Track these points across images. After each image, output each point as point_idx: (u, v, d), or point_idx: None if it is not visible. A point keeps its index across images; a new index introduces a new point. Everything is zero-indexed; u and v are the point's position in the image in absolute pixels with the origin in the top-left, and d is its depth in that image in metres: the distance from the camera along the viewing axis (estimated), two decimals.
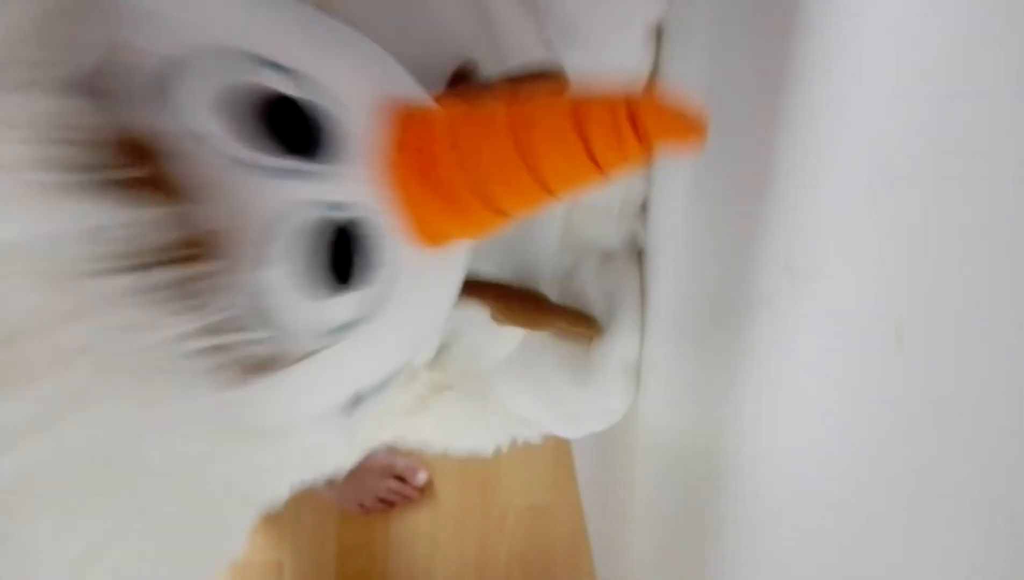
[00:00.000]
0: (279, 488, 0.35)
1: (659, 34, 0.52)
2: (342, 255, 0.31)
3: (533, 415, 0.56)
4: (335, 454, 0.36)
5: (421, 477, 1.00)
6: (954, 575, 0.22)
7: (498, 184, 0.30)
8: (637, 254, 0.58)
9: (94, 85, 0.26)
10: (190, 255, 0.27)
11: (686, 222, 0.45)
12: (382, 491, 0.99)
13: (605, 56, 0.50)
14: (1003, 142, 0.19)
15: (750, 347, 0.35)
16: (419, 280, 0.33)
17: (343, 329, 0.31)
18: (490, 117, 0.30)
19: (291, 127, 0.29)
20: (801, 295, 0.31)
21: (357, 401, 0.35)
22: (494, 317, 0.50)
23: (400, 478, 0.99)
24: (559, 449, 0.98)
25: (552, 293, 0.54)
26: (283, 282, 0.29)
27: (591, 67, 0.50)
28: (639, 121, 0.27)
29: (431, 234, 0.32)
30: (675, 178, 0.47)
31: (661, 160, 0.51)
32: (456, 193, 0.31)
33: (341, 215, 0.30)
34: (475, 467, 1.00)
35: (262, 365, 0.29)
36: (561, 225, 0.54)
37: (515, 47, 0.48)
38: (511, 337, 0.54)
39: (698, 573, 0.43)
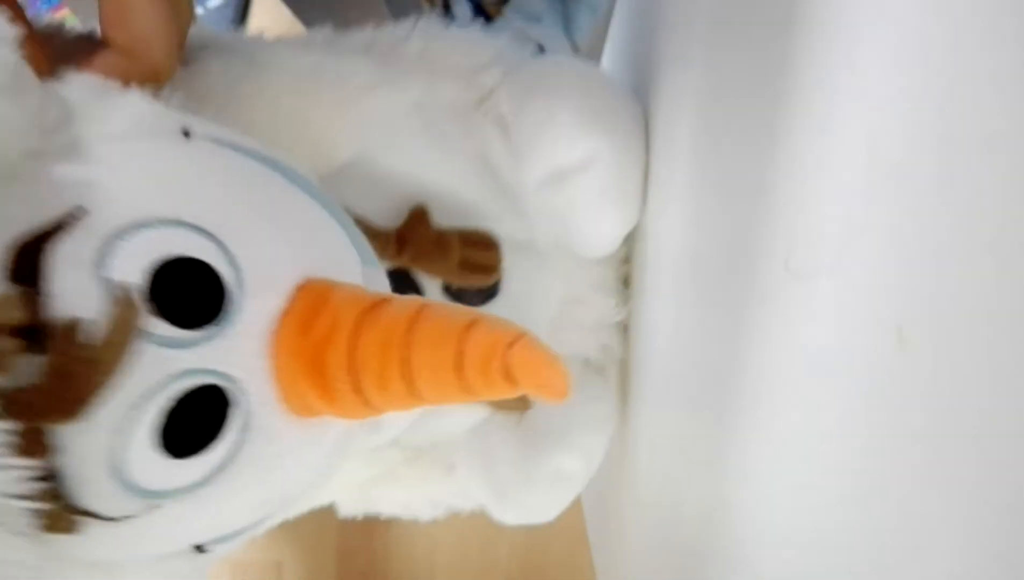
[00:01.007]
0: None
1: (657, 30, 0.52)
2: (203, 414, 0.32)
3: (472, 485, 0.57)
4: None
5: None
6: (956, 575, 0.22)
7: (375, 386, 0.32)
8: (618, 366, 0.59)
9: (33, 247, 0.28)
10: (56, 407, 0.28)
11: (686, 218, 0.45)
12: None
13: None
14: (1005, 140, 0.19)
15: (748, 346, 0.35)
16: (281, 446, 0.34)
17: (179, 492, 0.31)
18: (391, 321, 0.32)
19: (195, 286, 0.31)
20: (800, 294, 0.30)
21: (200, 548, 0.35)
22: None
23: None
24: None
25: None
26: (141, 441, 0.29)
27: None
28: (512, 368, 0.31)
29: (302, 407, 0.33)
30: (674, 176, 0.47)
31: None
32: (334, 380, 0.32)
33: (216, 381, 0.31)
34: None
35: (85, 518, 0.29)
36: (545, 330, 0.56)
37: (464, 209, 0.52)
38: (469, 413, 0.56)
39: (698, 573, 0.43)
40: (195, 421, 0.31)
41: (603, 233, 0.53)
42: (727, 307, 0.38)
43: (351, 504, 0.60)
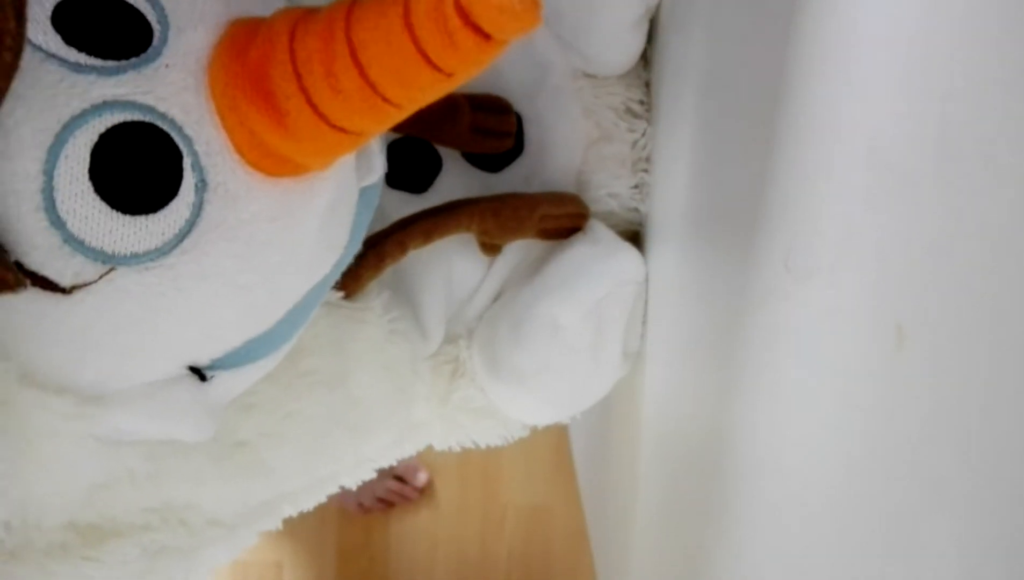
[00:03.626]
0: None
1: (656, 30, 0.52)
2: (158, 175, 0.29)
3: (476, 364, 0.52)
4: (190, 420, 0.34)
5: (421, 477, 1.00)
6: (953, 574, 0.22)
7: (325, 86, 0.28)
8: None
9: None
10: None
11: (685, 217, 0.45)
12: (381, 491, 0.99)
13: (595, 41, 0.50)
14: (1003, 141, 0.19)
15: (749, 346, 0.35)
16: (251, 210, 0.30)
17: (135, 258, 0.29)
18: (328, 15, 0.28)
19: (114, 28, 0.29)
20: (800, 294, 0.31)
21: (200, 375, 0.33)
22: (483, 243, 0.47)
23: (400, 478, 0.99)
24: (559, 449, 0.98)
25: None
26: (74, 185, 0.27)
27: (579, 51, 0.50)
28: (466, 7, 0.25)
29: (263, 154, 0.30)
30: (676, 172, 0.47)
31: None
32: (280, 94, 0.28)
33: (148, 118, 0.28)
34: (475, 467, 1.00)
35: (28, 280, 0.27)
36: (573, 180, 0.52)
37: None
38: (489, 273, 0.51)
39: (698, 573, 0.43)
40: (151, 182, 0.29)
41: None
42: (726, 307, 0.38)
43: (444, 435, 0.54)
